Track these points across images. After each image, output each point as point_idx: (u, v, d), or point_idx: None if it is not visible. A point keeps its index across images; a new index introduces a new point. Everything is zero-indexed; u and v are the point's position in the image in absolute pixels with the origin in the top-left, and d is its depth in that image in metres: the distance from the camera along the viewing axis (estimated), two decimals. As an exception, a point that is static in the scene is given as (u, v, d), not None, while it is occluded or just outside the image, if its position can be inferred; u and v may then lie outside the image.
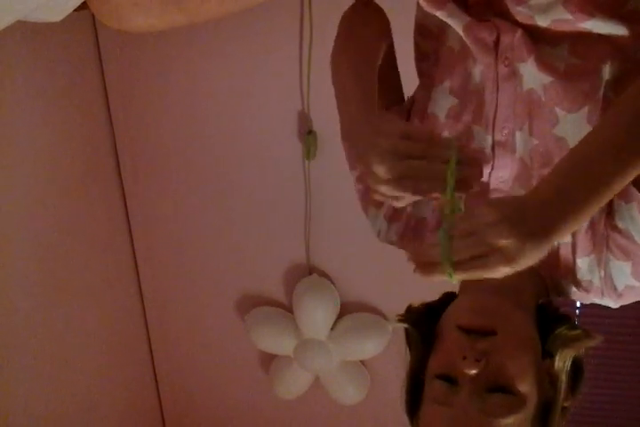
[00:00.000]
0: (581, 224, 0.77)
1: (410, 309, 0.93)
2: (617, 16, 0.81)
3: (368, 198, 1.04)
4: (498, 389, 0.79)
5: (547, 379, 0.84)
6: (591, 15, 0.81)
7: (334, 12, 1.98)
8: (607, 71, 0.83)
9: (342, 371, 2.42)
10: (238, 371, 2.66)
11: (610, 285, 0.87)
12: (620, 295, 0.88)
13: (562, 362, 0.84)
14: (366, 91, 0.93)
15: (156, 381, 2.76)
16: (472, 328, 0.82)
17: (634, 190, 0.81)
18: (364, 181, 0.80)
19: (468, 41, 0.89)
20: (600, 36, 0.82)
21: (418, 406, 0.86)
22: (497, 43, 0.88)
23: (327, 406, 2.58)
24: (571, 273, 0.90)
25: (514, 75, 0.88)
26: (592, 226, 0.86)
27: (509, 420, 0.78)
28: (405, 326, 0.91)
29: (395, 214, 1.02)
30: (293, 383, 2.50)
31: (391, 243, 1.05)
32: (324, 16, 2.01)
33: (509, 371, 0.80)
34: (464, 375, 0.79)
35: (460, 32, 0.89)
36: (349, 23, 1.07)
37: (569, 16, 0.81)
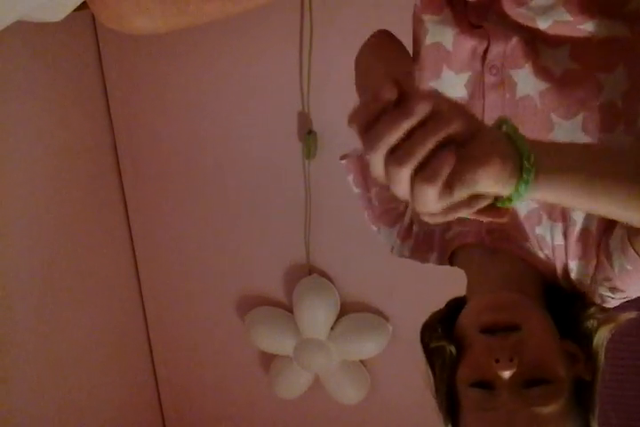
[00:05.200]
0: (546, 197, 0.62)
1: (426, 327, 0.92)
2: (618, 17, 0.81)
3: (380, 217, 1.06)
4: (534, 381, 0.79)
5: (570, 358, 0.84)
6: (592, 16, 0.81)
7: (334, 14, 2.00)
8: (611, 79, 0.83)
9: (342, 371, 2.42)
10: (238, 371, 2.66)
11: (595, 290, 0.90)
12: (603, 301, 0.90)
13: (600, 340, 0.85)
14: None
15: (156, 381, 2.76)
16: (496, 326, 0.81)
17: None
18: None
19: (457, 49, 0.89)
20: (602, 42, 0.82)
21: (457, 419, 0.85)
22: (486, 51, 0.88)
23: (327, 406, 2.58)
24: (565, 272, 0.93)
25: (502, 83, 0.88)
26: (584, 234, 0.88)
27: (555, 406, 0.78)
28: (431, 345, 0.88)
29: (406, 234, 1.06)
30: (293, 383, 2.50)
31: (403, 257, 1.07)
32: (324, 17, 2.01)
33: (541, 361, 0.80)
34: (500, 378, 0.79)
35: (451, 40, 0.89)
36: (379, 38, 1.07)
37: (569, 17, 0.81)
